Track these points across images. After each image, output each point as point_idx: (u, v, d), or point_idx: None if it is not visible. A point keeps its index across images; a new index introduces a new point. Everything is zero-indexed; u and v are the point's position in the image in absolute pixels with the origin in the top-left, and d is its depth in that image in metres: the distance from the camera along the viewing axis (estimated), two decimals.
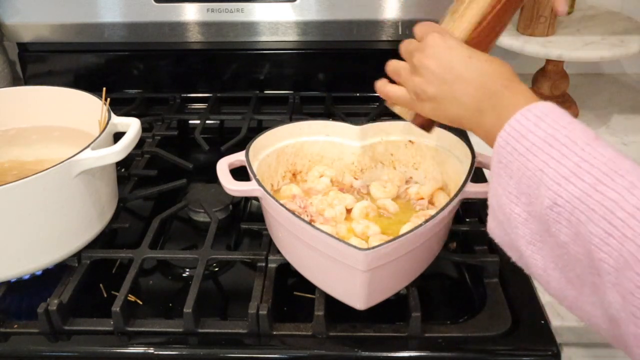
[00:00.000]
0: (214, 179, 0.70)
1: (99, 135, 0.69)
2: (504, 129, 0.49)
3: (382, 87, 0.65)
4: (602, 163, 0.43)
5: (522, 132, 0.48)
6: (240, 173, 0.70)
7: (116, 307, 0.63)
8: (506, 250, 0.53)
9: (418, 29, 0.61)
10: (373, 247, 0.57)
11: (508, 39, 0.97)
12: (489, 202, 0.53)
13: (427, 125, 0.65)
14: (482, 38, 0.60)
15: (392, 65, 0.63)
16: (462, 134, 0.73)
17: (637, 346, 0.40)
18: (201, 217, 0.83)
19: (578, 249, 0.44)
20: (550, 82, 1.05)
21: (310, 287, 0.66)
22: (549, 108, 0.48)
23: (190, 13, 1.04)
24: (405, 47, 0.61)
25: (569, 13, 1.06)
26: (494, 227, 0.53)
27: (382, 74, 1.10)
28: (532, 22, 0.97)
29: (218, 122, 1.07)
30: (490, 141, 0.52)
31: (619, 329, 0.42)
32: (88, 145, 0.67)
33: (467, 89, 0.54)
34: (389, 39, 1.05)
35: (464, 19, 0.60)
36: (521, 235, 0.49)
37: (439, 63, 0.56)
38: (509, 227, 0.50)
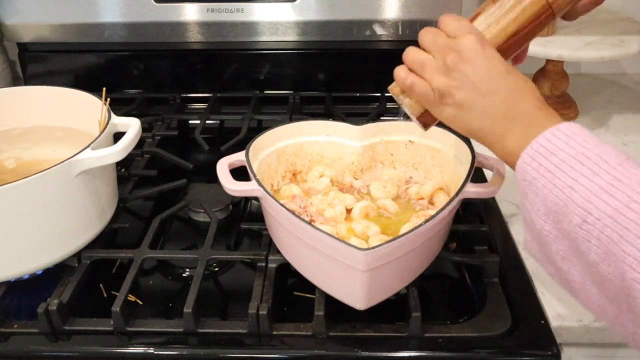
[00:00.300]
0: (214, 179, 0.70)
1: (99, 135, 0.69)
2: (530, 145, 0.48)
3: (405, 75, 0.59)
4: (636, 183, 0.42)
5: (550, 149, 0.47)
6: (240, 173, 0.70)
7: (116, 307, 0.63)
8: (543, 265, 0.52)
9: (449, 23, 0.56)
10: (373, 247, 0.57)
11: None
12: (523, 218, 0.52)
13: (429, 124, 0.63)
14: (511, 49, 0.58)
15: (414, 55, 0.58)
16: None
17: None
18: (201, 217, 0.83)
19: (609, 268, 0.43)
20: (550, 82, 1.05)
21: (310, 287, 0.66)
22: (579, 128, 0.48)
23: (190, 13, 1.04)
24: (432, 38, 0.57)
25: None
26: (530, 242, 0.52)
27: (382, 74, 1.09)
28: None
29: (218, 122, 1.07)
30: (511, 159, 0.51)
31: None
32: (88, 145, 0.67)
33: (498, 104, 0.53)
34: (389, 39, 1.05)
35: (499, 26, 0.57)
36: (555, 251, 0.48)
37: (475, 71, 0.53)
38: (543, 244, 0.49)
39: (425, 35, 0.57)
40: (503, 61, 0.55)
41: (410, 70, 0.59)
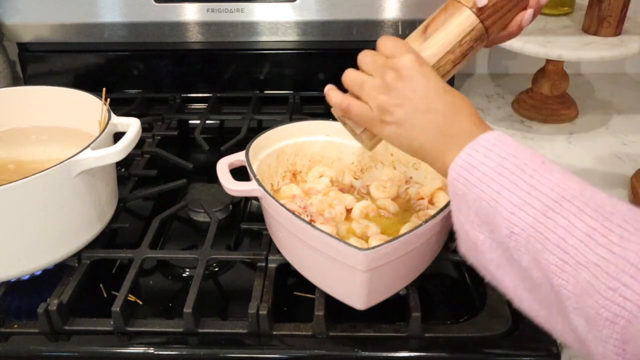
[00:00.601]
0: (214, 179, 0.70)
1: (99, 135, 0.69)
2: (454, 161, 0.50)
3: (340, 99, 0.60)
4: (550, 189, 0.44)
5: (472, 163, 0.49)
6: (240, 173, 0.70)
7: (116, 307, 0.64)
8: (479, 270, 0.53)
9: (387, 44, 0.58)
10: (373, 247, 0.57)
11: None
12: (455, 229, 0.53)
13: (373, 145, 0.64)
14: (447, 68, 0.60)
15: (353, 76, 0.59)
16: None
17: None
18: (201, 217, 0.83)
19: (539, 274, 0.44)
20: (550, 82, 1.05)
21: (310, 287, 0.66)
22: (497, 138, 0.49)
23: (190, 13, 1.04)
24: (370, 59, 0.58)
25: (569, 13, 1.06)
26: (465, 251, 0.53)
27: None
28: (598, 23, 0.96)
29: (218, 122, 1.07)
30: (446, 175, 0.52)
31: (589, 350, 0.42)
32: (88, 145, 0.67)
33: (437, 121, 0.53)
34: None
35: (435, 44, 0.59)
36: (489, 260, 0.50)
37: (413, 89, 0.54)
38: (478, 253, 0.51)
39: (364, 57, 0.59)
40: (440, 80, 0.56)
41: (350, 91, 0.60)
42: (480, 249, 0.50)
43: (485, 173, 0.48)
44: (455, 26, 0.59)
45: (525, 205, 0.45)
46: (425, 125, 0.54)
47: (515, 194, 0.46)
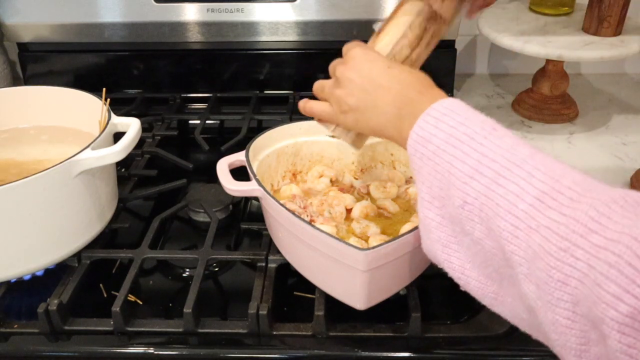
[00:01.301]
0: (214, 179, 0.70)
1: (99, 135, 0.69)
2: (410, 136, 0.51)
3: (304, 105, 0.66)
4: (500, 155, 0.45)
5: (424, 136, 0.50)
6: (240, 173, 0.70)
7: (116, 307, 0.64)
8: (428, 255, 0.53)
9: (344, 48, 0.63)
10: (373, 247, 0.57)
11: (508, 39, 0.97)
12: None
13: (352, 139, 0.66)
14: (405, 52, 0.62)
15: (317, 84, 0.65)
16: None
17: (554, 332, 0.41)
18: (201, 217, 0.83)
19: (491, 243, 0.45)
20: (550, 82, 1.05)
21: (310, 287, 0.66)
22: (447, 106, 0.50)
23: (190, 13, 1.04)
24: (331, 65, 0.63)
25: (569, 13, 1.06)
26: (422, 240, 0.54)
27: None
28: (598, 23, 0.97)
29: (218, 122, 1.07)
30: None
31: (537, 317, 0.42)
32: (88, 145, 0.67)
33: (386, 97, 0.55)
34: None
35: (386, 35, 0.63)
36: (436, 239, 0.50)
37: (359, 74, 0.58)
38: (426, 234, 0.52)
39: (331, 65, 0.64)
40: (384, 59, 0.58)
41: (319, 98, 0.65)
42: (428, 228, 0.51)
43: (437, 145, 0.48)
44: (401, 14, 0.63)
45: (476, 174, 0.45)
46: (377, 104, 0.56)
47: (467, 164, 0.46)
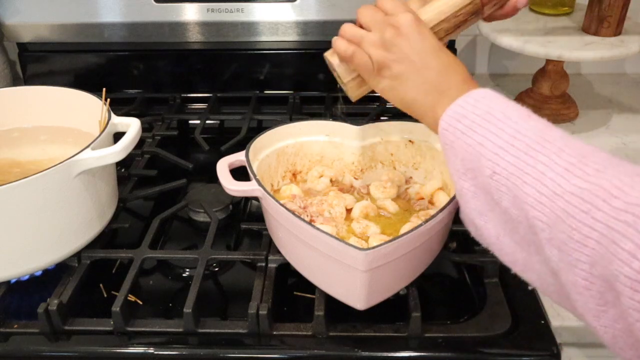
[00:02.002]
0: (214, 179, 0.70)
1: (99, 135, 0.69)
2: (446, 112, 0.53)
3: (346, 46, 0.62)
4: (533, 133, 0.47)
5: (462, 113, 0.52)
6: (240, 173, 0.70)
7: (116, 307, 0.64)
8: (467, 226, 0.56)
9: (386, 2, 0.60)
10: (373, 247, 0.57)
11: (508, 39, 0.97)
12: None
13: (358, 95, 0.66)
14: (439, 35, 0.62)
15: (352, 31, 0.62)
16: None
17: (574, 292, 0.43)
18: (201, 217, 0.83)
19: (517, 211, 0.47)
20: (550, 82, 1.05)
21: (310, 287, 0.66)
22: (487, 92, 0.53)
23: (190, 13, 1.04)
24: (370, 15, 0.60)
25: (569, 13, 1.06)
26: (460, 211, 0.56)
27: None
28: (598, 23, 0.96)
29: (218, 122, 1.07)
30: (436, 128, 0.55)
31: (560, 279, 0.45)
32: (88, 145, 0.67)
33: (431, 77, 0.56)
34: None
35: (432, 9, 0.61)
36: (472, 208, 0.53)
37: (411, 46, 0.57)
38: (464, 203, 0.54)
39: (364, 12, 0.61)
40: (436, 39, 0.58)
41: (350, 40, 0.62)
42: (465, 198, 0.53)
43: (473, 120, 0.51)
44: None
45: (508, 146, 0.48)
46: (419, 81, 0.57)
47: (500, 137, 0.48)
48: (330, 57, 0.65)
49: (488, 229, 0.52)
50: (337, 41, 0.63)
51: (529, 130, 0.48)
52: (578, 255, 0.41)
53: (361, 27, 0.61)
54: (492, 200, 0.50)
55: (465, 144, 0.51)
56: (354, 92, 0.66)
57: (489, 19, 0.66)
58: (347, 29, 0.62)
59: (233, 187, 0.67)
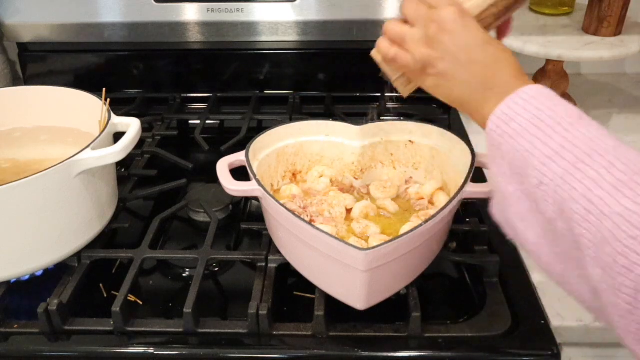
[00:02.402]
0: (214, 179, 0.70)
1: (99, 135, 0.69)
2: (494, 113, 0.51)
3: (388, 47, 0.61)
4: (583, 143, 0.45)
5: (510, 115, 0.50)
6: (240, 173, 0.70)
7: (116, 307, 0.63)
8: (503, 228, 0.54)
9: None
10: (373, 247, 0.57)
11: (508, 39, 0.96)
12: (491, 182, 0.55)
13: (408, 91, 0.64)
14: (489, 21, 0.59)
15: (395, 29, 0.60)
16: (462, 134, 0.73)
17: (617, 314, 0.42)
18: (201, 217, 0.83)
19: (562, 225, 0.46)
20: (550, 82, 1.05)
21: (310, 287, 0.66)
22: (537, 91, 0.50)
23: (190, 13, 1.04)
24: (414, 10, 0.58)
25: (569, 13, 1.06)
26: (494, 208, 0.55)
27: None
28: (598, 23, 0.96)
29: (218, 122, 1.07)
30: (485, 126, 0.54)
31: (601, 300, 0.44)
32: (88, 145, 0.67)
33: (478, 72, 0.54)
34: None
35: None
36: (515, 212, 0.51)
37: (455, 42, 0.55)
38: (505, 206, 0.52)
39: (408, 6, 0.59)
40: (482, 32, 0.56)
41: (392, 41, 0.61)
42: (507, 202, 0.51)
43: (521, 124, 0.49)
44: None
45: (556, 156, 0.46)
46: (467, 77, 0.55)
47: (548, 146, 0.46)
48: (375, 56, 0.64)
49: (528, 236, 0.51)
50: (380, 41, 0.62)
51: (578, 138, 0.46)
52: (622, 279, 0.40)
53: (405, 22, 0.59)
54: (536, 208, 0.48)
55: (513, 149, 0.49)
56: (403, 89, 0.64)
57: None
58: (390, 27, 0.60)
59: (233, 187, 0.67)
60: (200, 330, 0.64)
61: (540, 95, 0.50)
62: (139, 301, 0.71)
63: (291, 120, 0.97)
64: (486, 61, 0.54)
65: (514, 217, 0.51)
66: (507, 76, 0.53)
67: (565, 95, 1.08)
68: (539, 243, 0.50)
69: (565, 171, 0.45)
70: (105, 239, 0.76)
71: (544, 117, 0.48)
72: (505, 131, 0.50)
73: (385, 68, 0.64)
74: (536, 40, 0.96)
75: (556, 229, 0.47)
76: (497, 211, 0.54)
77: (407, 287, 0.66)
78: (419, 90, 0.62)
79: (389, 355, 0.62)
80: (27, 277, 0.71)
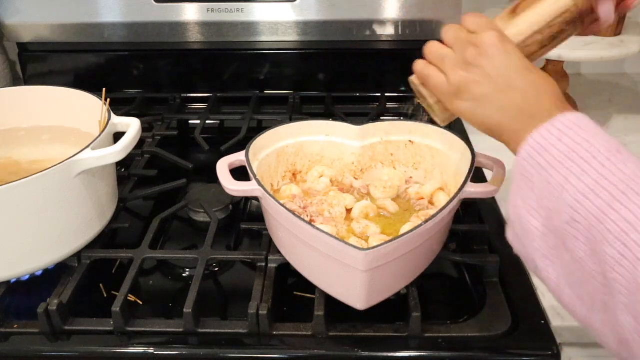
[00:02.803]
0: (214, 179, 0.70)
1: (99, 135, 0.69)
2: (527, 141, 0.48)
3: (423, 66, 0.60)
4: (620, 180, 0.43)
5: (544, 145, 0.47)
6: (240, 173, 0.70)
7: (116, 307, 0.63)
8: (524, 260, 0.52)
9: (471, 20, 0.57)
10: (373, 247, 0.57)
11: None
12: (509, 214, 0.52)
13: (444, 119, 0.63)
14: (532, 49, 0.58)
15: (435, 49, 0.59)
16: (462, 133, 0.73)
17: None
18: (201, 217, 0.83)
19: (594, 266, 0.43)
20: None
21: (310, 287, 0.66)
22: (574, 121, 0.48)
23: (190, 13, 1.04)
24: (454, 34, 0.57)
25: None
26: (512, 239, 0.52)
27: (382, 74, 1.09)
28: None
29: (218, 122, 1.07)
30: None
31: (631, 350, 0.42)
32: (88, 145, 0.67)
33: (517, 100, 0.52)
34: (389, 39, 1.05)
35: (523, 21, 0.58)
36: (537, 248, 0.49)
37: (494, 66, 0.54)
38: (526, 240, 0.50)
39: (448, 31, 0.58)
40: (523, 58, 0.55)
41: (431, 63, 0.60)
42: (530, 236, 0.49)
43: (556, 157, 0.46)
44: (547, 5, 0.57)
45: (591, 194, 0.43)
46: (504, 104, 0.53)
47: (583, 182, 0.44)
48: (413, 80, 0.63)
49: (549, 274, 0.48)
50: (417, 62, 0.61)
51: (615, 175, 0.43)
52: None
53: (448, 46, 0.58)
54: (562, 246, 0.46)
55: (545, 182, 0.47)
56: (440, 115, 0.63)
57: (589, 31, 0.61)
58: (430, 48, 0.59)
59: (233, 187, 0.67)
60: (200, 330, 0.64)
61: (577, 125, 0.47)
62: (139, 301, 0.71)
63: (291, 120, 0.97)
64: (526, 88, 0.52)
65: (535, 252, 0.49)
66: (548, 104, 0.51)
67: (565, 95, 1.08)
68: (560, 282, 0.47)
69: (599, 210, 0.43)
70: (105, 239, 0.76)
71: (579, 150, 0.45)
72: (538, 162, 0.47)
73: (423, 92, 0.62)
74: None
75: (584, 269, 0.44)
76: (516, 243, 0.52)
77: (407, 287, 0.66)
78: None
79: (389, 355, 0.62)
80: (27, 277, 0.71)
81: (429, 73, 0.59)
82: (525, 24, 0.57)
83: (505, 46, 0.54)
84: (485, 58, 0.54)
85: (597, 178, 0.44)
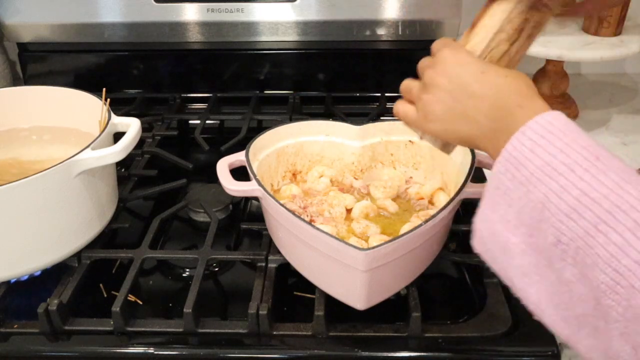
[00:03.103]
0: (214, 179, 0.70)
1: (99, 135, 0.69)
2: (501, 154, 0.46)
3: (398, 106, 0.60)
4: (603, 196, 0.39)
5: (519, 159, 0.44)
6: (240, 173, 0.70)
7: (116, 307, 0.63)
8: (501, 278, 0.49)
9: (433, 46, 0.57)
10: (373, 247, 0.57)
11: None
12: (476, 227, 0.49)
13: (441, 146, 0.61)
14: (502, 48, 0.57)
15: (405, 84, 0.59)
16: None
17: None
18: (201, 217, 0.83)
19: (584, 290, 0.40)
20: (550, 82, 1.05)
21: (310, 287, 0.66)
22: (545, 125, 0.44)
23: (190, 13, 1.04)
24: (420, 64, 0.57)
25: None
26: (480, 251, 0.50)
27: (382, 74, 1.09)
28: (598, 23, 0.96)
29: (218, 122, 1.07)
30: None
31: None
32: (88, 145, 0.67)
33: (480, 107, 0.50)
34: (389, 39, 1.05)
35: (480, 30, 0.57)
36: (516, 266, 0.46)
37: (449, 79, 0.52)
38: (503, 257, 0.47)
39: (420, 63, 0.58)
40: (477, 62, 0.53)
41: (406, 100, 0.59)
42: (508, 253, 0.46)
43: (533, 173, 0.43)
44: (496, 5, 0.56)
45: (574, 213, 0.40)
46: (468, 114, 0.51)
47: (563, 200, 0.41)
48: (402, 122, 0.62)
49: (529, 294, 0.45)
50: (395, 104, 0.60)
51: (597, 190, 0.39)
52: None
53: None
54: (547, 265, 0.43)
55: (525, 198, 0.43)
56: (437, 146, 0.61)
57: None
58: (402, 85, 0.59)
59: (233, 187, 0.67)
60: (200, 330, 0.64)
61: (549, 131, 0.44)
62: (139, 301, 0.71)
63: (291, 120, 0.97)
64: (485, 93, 0.50)
65: (513, 270, 0.46)
66: (511, 104, 0.48)
67: (565, 95, 1.08)
68: (542, 302, 0.44)
69: (585, 232, 0.39)
70: (105, 239, 0.76)
71: (555, 164, 0.42)
72: (515, 176, 0.44)
73: (426, 139, 0.61)
74: (536, 40, 0.96)
75: (572, 292, 0.41)
76: (488, 257, 0.49)
77: (407, 287, 0.66)
78: None
79: (389, 355, 0.62)
80: (27, 277, 0.71)
81: (403, 109, 0.59)
82: (483, 30, 0.57)
83: (457, 57, 0.53)
84: (440, 76, 0.53)
85: (577, 195, 0.40)
